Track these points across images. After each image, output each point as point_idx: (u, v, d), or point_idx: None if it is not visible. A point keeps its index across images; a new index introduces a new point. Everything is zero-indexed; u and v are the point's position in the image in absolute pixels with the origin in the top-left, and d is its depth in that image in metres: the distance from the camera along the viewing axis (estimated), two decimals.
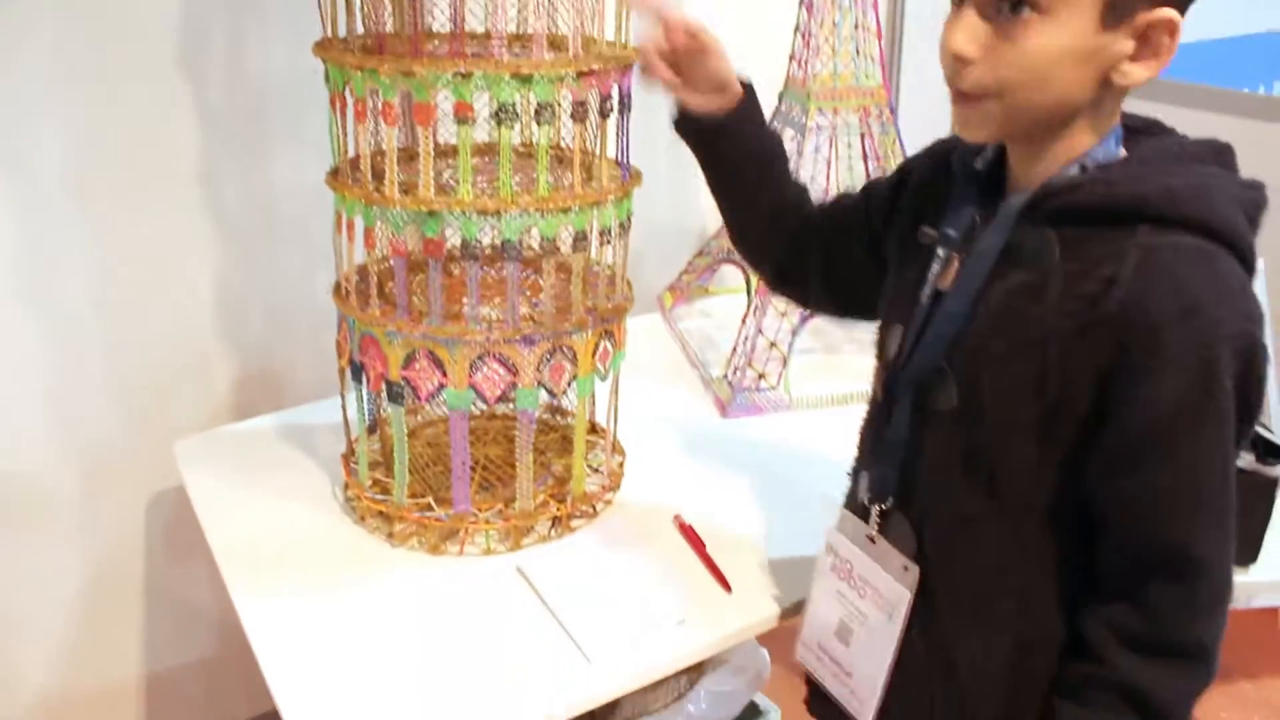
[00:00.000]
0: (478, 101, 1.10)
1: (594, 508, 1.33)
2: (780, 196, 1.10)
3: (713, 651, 1.15)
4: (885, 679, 0.96)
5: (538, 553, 1.25)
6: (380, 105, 1.11)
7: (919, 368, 0.90)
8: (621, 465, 1.39)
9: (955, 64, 0.82)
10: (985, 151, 0.92)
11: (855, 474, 1.03)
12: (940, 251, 0.91)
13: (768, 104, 1.70)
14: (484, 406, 1.42)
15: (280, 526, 1.29)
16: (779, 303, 1.64)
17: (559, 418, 1.49)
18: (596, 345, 1.25)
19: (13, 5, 1.39)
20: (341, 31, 1.19)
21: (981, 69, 0.81)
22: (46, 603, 1.64)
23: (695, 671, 1.54)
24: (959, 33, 0.81)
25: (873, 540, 0.97)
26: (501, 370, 1.20)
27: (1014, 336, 0.84)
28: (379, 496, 1.28)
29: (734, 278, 1.95)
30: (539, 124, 1.13)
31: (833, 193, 1.66)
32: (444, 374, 1.19)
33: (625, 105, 1.21)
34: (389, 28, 1.21)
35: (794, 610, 1.14)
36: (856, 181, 1.70)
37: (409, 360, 1.19)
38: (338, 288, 1.26)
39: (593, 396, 1.30)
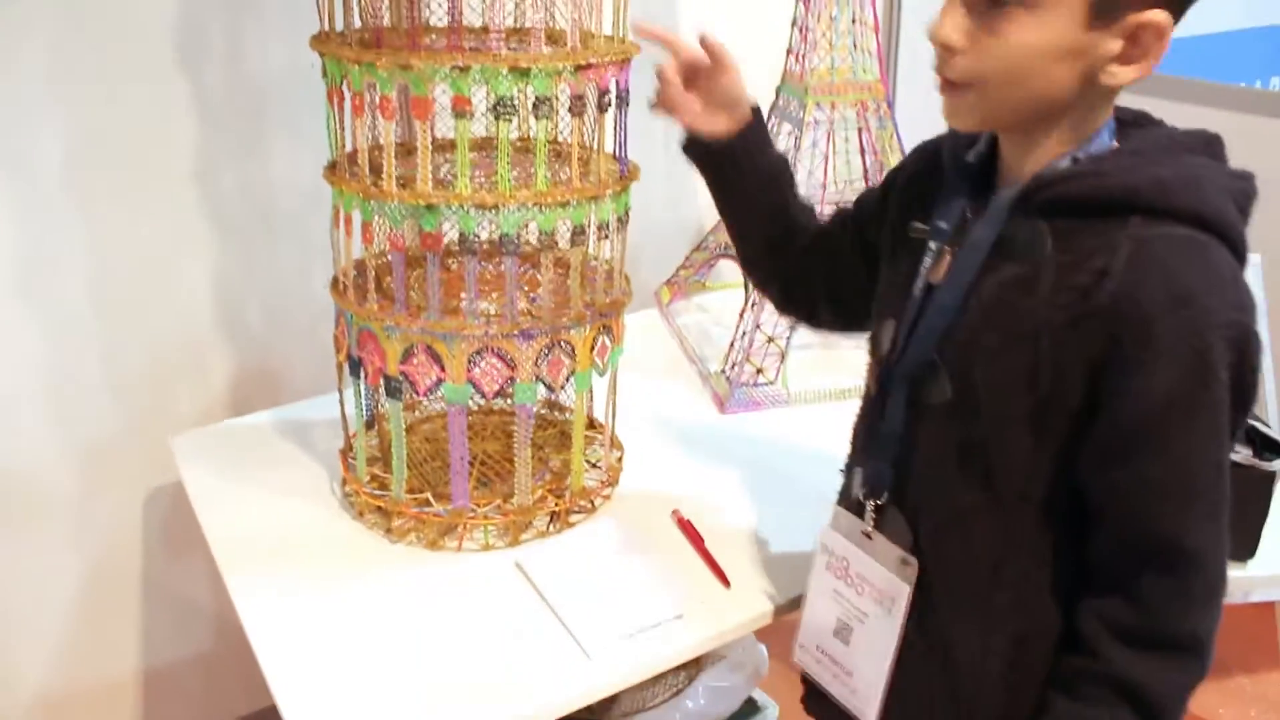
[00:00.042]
0: (475, 95, 1.10)
1: (592, 503, 1.33)
2: (786, 218, 1.11)
3: (711, 646, 1.15)
4: (887, 676, 0.95)
5: (536, 548, 1.25)
6: (378, 99, 1.11)
7: (912, 361, 0.90)
8: (620, 461, 1.39)
9: (943, 53, 0.83)
10: (977, 144, 0.92)
11: (849, 470, 1.03)
12: (932, 245, 0.92)
13: (765, 99, 1.71)
14: (482, 401, 1.42)
15: (278, 522, 1.29)
16: None
17: (557, 413, 1.49)
18: (595, 340, 1.24)
19: (13, 5, 1.39)
20: (339, 26, 1.19)
21: (967, 59, 0.81)
22: (44, 598, 1.64)
23: (693, 667, 1.54)
24: (947, 22, 0.81)
25: (869, 536, 0.96)
26: (500, 365, 1.20)
27: (1006, 329, 0.84)
28: (377, 492, 1.28)
29: (731, 273, 1.95)
30: (537, 118, 1.12)
31: (830, 188, 1.68)
32: (442, 369, 1.19)
33: (623, 99, 1.21)
34: (386, 22, 1.21)
35: (792, 605, 1.14)
36: (854, 176, 1.70)
37: (407, 355, 1.19)
38: (335, 283, 1.26)
39: (591, 392, 1.30)
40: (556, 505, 1.28)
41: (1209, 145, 0.86)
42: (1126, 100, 0.86)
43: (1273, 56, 2.76)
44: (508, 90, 1.09)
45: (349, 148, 1.22)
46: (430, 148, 1.12)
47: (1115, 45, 0.79)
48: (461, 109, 1.09)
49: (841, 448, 1.05)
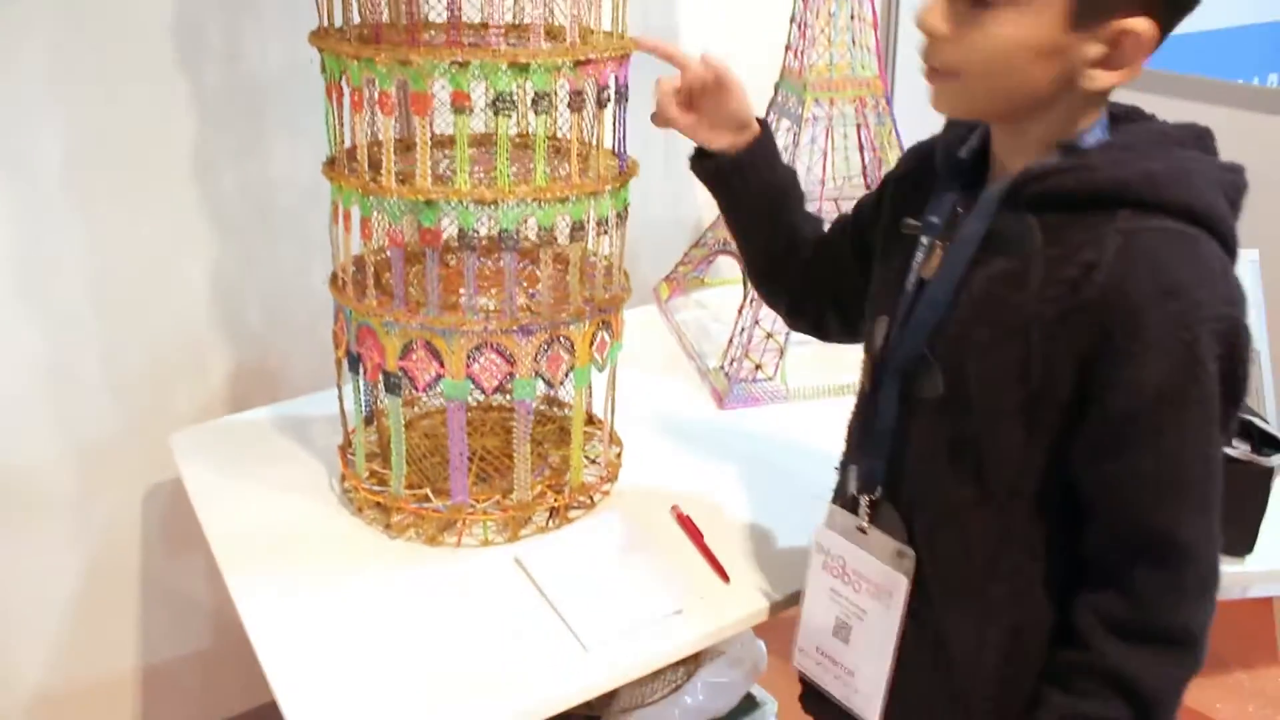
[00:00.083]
0: (474, 91, 1.10)
1: (591, 499, 1.33)
2: (795, 232, 1.12)
3: (711, 642, 1.15)
4: (889, 673, 0.96)
5: (535, 544, 1.25)
6: (377, 95, 1.11)
7: (904, 356, 0.91)
8: (619, 456, 1.39)
9: (929, 39, 0.84)
10: (970, 140, 0.92)
11: (844, 468, 1.03)
12: (924, 241, 0.92)
13: (764, 95, 1.71)
14: (481, 397, 1.43)
15: (277, 518, 1.29)
16: None
17: (556, 409, 1.49)
18: (594, 336, 1.24)
19: (13, 5, 1.39)
20: (338, 22, 1.18)
21: (950, 48, 0.82)
22: (43, 596, 1.64)
23: (692, 663, 1.54)
24: (934, 9, 0.82)
25: (863, 531, 0.97)
26: (499, 360, 1.21)
27: (997, 323, 0.84)
28: (376, 488, 1.28)
29: (730, 269, 1.95)
30: (536, 114, 1.12)
31: (829, 184, 1.68)
32: (441, 364, 1.19)
33: (622, 95, 1.21)
34: (385, 18, 1.21)
35: (792, 600, 1.14)
36: (853, 173, 1.71)
37: (406, 351, 1.19)
38: (334, 278, 1.26)
39: (590, 387, 1.30)
40: (555, 501, 1.28)
41: (1200, 139, 0.86)
42: (1127, 96, 0.86)
43: (1271, 53, 2.76)
44: (507, 86, 1.09)
45: (348, 144, 1.22)
46: (429, 143, 1.12)
47: (1096, 50, 0.79)
48: (460, 104, 1.09)
49: (840, 443, 1.05)
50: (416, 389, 1.21)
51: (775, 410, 1.59)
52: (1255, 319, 1.79)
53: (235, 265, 1.66)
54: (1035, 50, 0.79)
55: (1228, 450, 1.20)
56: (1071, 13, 0.78)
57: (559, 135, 1.24)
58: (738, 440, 1.50)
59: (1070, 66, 0.80)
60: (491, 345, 1.19)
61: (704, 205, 2.07)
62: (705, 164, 1.11)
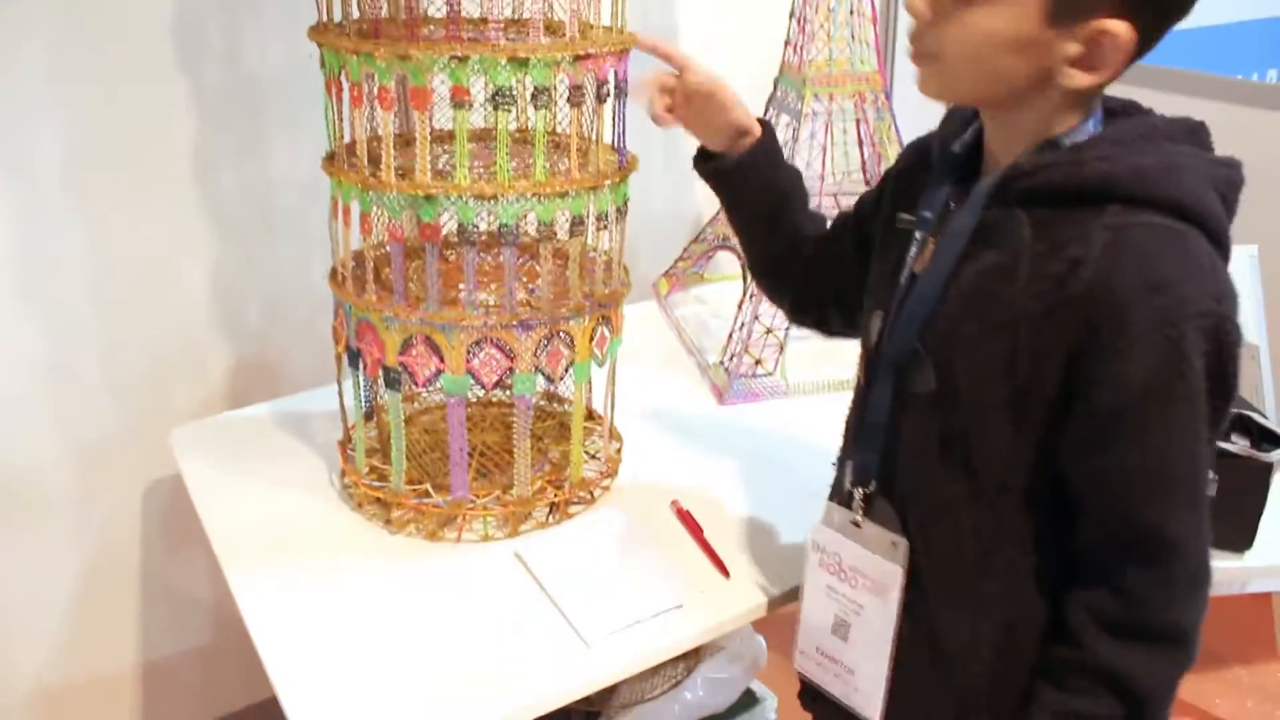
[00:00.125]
0: (474, 86, 1.10)
1: (591, 494, 1.33)
2: (797, 231, 1.12)
3: (711, 636, 1.15)
4: (889, 670, 0.96)
5: (535, 539, 1.25)
6: (376, 90, 1.11)
7: (896, 350, 0.91)
8: (619, 452, 1.39)
9: (915, 23, 0.84)
10: (964, 135, 0.92)
11: (840, 463, 1.03)
12: (917, 235, 0.92)
13: (763, 90, 1.71)
14: (481, 392, 1.43)
15: (277, 514, 1.29)
16: None
17: (556, 404, 1.49)
18: (594, 331, 1.25)
19: (13, 5, 1.39)
20: (337, 17, 1.18)
21: (932, 33, 0.83)
22: (43, 592, 1.64)
23: (692, 658, 1.55)
24: None
25: (858, 525, 0.97)
26: (499, 356, 1.21)
27: (985, 318, 0.84)
28: (376, 483, 1.28)
29: (730, 264, 1.95)
30: (535, 108, 1.12)
31: (828, 179, 1.68)
32: (441, 360, 1.19)
33: (621, 90, 1.21)
34: (384, 12, 1.21)
35: (791, 596, 1.14)
36: (852, 168, 1.71)
37: (406, 346, 1.19)
38: (334, 274, 1.26)
39: (590, 383, 1.30)
40: (556, 496, 1.28)
41: (1193, 133, 0.86)
42: (1124, 92, 0.86)
43: (1270, 49, 2.76)
44: (506, 80, 1.09)
45: (347, 139, 1.22)
46: (429, 138, 1.12)
47: (1074, 49, 0.79)
48: (460, 99, 1.09)
49: (839, 439, 1.05)
50: (416, 384, 1.21)
51: (775, 405, 1.60)
52: (1254, 314, 1.78)
53: (235, 264, 1.66)
54: (1011, 42, 0.80)
55: (1227, 446, 1.21)
56: (1048, 9, 0.78)
57: (559, 130, 1.24)
58: (738, 435, 1.50)
59: (1048, 63, 0.80)
60: (491, 340, 1.19)
61: (704, 201, 2.07)
62: (707, 165, 1.12)
